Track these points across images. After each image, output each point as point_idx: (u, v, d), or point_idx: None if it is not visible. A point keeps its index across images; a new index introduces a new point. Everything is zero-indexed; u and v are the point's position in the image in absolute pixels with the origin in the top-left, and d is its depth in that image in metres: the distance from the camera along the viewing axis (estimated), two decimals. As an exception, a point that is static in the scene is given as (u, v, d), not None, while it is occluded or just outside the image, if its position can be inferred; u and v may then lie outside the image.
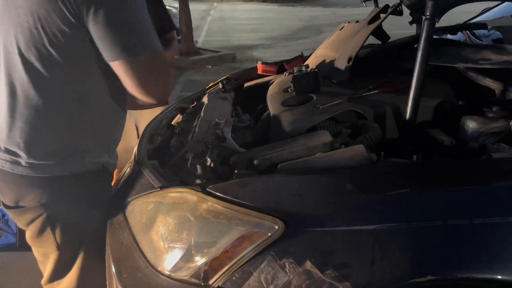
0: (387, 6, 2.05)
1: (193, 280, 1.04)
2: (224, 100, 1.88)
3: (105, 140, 1.29)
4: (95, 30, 1.07)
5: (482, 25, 2.24)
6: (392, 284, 0.95)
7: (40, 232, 1.25)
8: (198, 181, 1.23)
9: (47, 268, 1.33)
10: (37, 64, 1.10)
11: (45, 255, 1.32)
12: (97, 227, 1.30)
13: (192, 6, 8.17)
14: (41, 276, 1.37)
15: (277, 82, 1.94)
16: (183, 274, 1.06)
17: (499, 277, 0.98)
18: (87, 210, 1.26)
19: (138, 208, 1.26)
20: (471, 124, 1.41)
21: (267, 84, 2.00)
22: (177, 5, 8.00)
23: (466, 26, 2.37)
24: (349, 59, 1.74)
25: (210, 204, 1.08)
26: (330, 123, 1.54)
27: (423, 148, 1.41)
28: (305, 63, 2.05)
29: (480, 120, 1.41)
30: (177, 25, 7.88)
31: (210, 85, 2.16)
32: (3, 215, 2.45)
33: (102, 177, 1.30)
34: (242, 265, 1.00)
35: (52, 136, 1.17)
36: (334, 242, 0.98)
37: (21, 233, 2.25)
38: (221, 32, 11.14)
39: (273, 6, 17.29)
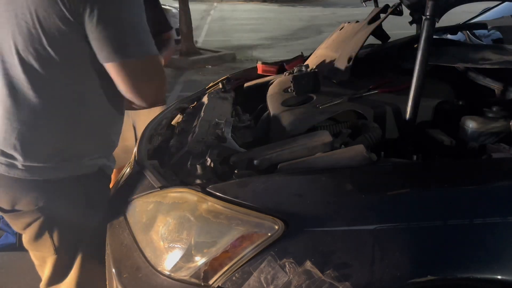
0: (387, 6, 2.05)
1: (193, 280, 1.04)
2: (224, 100, 1.88)
3: (102, 142, 1.27)
4: (91, 30, 1.07)
5: (482, 25, 2.24)
6: (392, 284, 0.95)
7: (37, 235, 1.24)
8: (198, 181, 1.23)
9: (45, 272, 1.32)
10: (35, 65, 1.09)
11: (42, 259, 1.31)
12: (95, 230, 1.29)
13: (192, 6, 8.17)
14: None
15: (277, 82, 1.94)
16: (183, 274, 1.06)
17: (499, 277, 0.98)
18: (85, 213, 1.25)
19: (138, 208, 1.26)
20: (471, 124, 1.41)
21: (267, 84, 2.00)
22: (177, 5, 8.01)
23: (466, 26, 2.37)
24: (349, 59, 1.74)
25: (210, 204, 1.08)
26: (330, 123, 1.54)
27: (423, 148, 1.41)
28: (305, 63, 2.05)
29: (480, 120, 1.41)
30: (177, 25, 7.89)
31: (210, 85, 2.16)
32: (3, 215, 2.46)
33: (100, 179, 1.29)
34: (242, 265, 1.00)
35: (49, 137, 1.16)
36: (334, 242, 0.98)
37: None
38: (221, 32, 11.14)
39: (273, 6, 17.30)
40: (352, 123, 1.54)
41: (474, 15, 2.71)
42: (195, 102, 1.96)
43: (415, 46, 1.80)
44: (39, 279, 1.38)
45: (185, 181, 1.24)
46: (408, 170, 1.20)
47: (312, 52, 2.29)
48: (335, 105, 1.55)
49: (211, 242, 1.05)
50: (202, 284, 1.03)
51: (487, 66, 1.53)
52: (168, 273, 1.08)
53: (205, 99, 1.88)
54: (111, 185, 1.42)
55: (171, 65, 6.85)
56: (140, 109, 1.29)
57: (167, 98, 1.80)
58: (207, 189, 1.11)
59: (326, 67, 1.92)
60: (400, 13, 2.04)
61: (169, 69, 6.60)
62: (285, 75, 1.98)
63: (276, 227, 0.99)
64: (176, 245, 1.09)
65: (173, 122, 1.86)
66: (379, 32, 2.14)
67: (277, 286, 0.96)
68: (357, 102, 1.59)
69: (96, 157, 1.25)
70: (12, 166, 1.16)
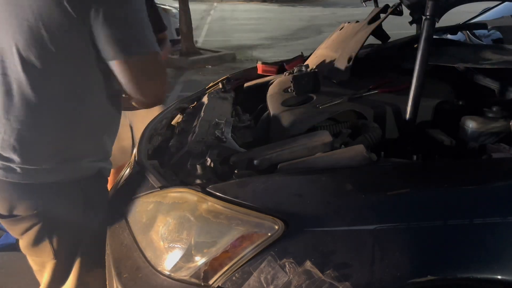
0: (387, 6, 2.05)
1: (193, 280, 1.04)
2: (224, 100, 1.88)
3: (101, 144, 1.26)
4: (97, 28, 1.07)
5: (482, 25, 2.24)
6: (392, 284, 0.95)
7: (36, 241, 1.22)
8: (198, 181, 1.23)
9: (44, 277, 1.30)
10: (36, 64, 1.09)
11: (42, 264, 1.29)
12: (94, 233, 1.29)
13: (192, 6, 8.16)
14: (41, 276, 1.36)
15: (277, 82, 1.94)
16: (183, 274, 1.06)
17: (499, 277, 0.98)
18: (84, 216, 1.24)
19: (138, 208, 1.26)
20: (471, 124, 1.41)
21: (267, 84, 2.00)
22: (177, 5, 8.00)
23: (466, 26, 2.37)
24: (349, 59, 1.74)
25: (210, 204, 1.08)
26: (330, 123, 1.54)
27: (423, 148, 1.41)
28: (305, 63, 2.05)
29: (480, 120, 1.41)
30: (177, 25, 7.89)
31: (210, 85, 2.16)
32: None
33: (98, 182, 1.28)
34: (242, 265, 1.00)
35: (49, 138, 1.15)
36: (334, 242, 0.98)
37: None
38: (221, 32, 11.14)
39: (273, 6, 17.29)
40: (352, 123, 1.54)
41: (474, 15, 2.71)
42: (195, 102, 1.96)
43: (415, 46, 1.80)
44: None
45: (185, 181, 1.24)
46: (408, 170, 1.20)
47: (312, 52, 2.29)
48: (335, 105, 1.55)
49: (211, 242, 1.05)
50: (202, 284, 1.03)
51: (487, 66, 1.53)
52: (168, 273, 1.08)
53: (205, 99, 1.88)
54: (108, 186, 1.41)
55: (171, 65, 6.85)
56: (142, 107, 1.29)
57: (167, 98, 1.80)
58: (207, 189, 1.11)
59: (326, 67, 1.92)
60: (400, 13, 2.04)
61: (169, 69, 6.60)
62: (285, 75, 1.98)
63: (276, 227, 0.99)
64: (176, 245, 1.09)
65: (173, 122, 1.86)
66: (379, 32, 2.14)
67: (277, 286, 0.96)
68: (357, 102, 1.59)
69: (95, 159, 1.24)
70: (10, 170, 1.15)
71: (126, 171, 1.56)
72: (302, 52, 2.46)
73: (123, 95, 1.34)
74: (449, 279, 0.98)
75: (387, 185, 1.12)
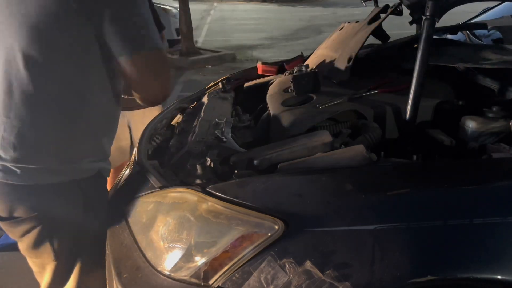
0: (387, 6, 2.05)
1: (193, 280, 1.04)
2: (224, 100, 1.88)
3: (100, 144, 1.26)
4: (104, 25, 1.07)
5: (482, 25, 2.24)
6: (392, 284, 0.95)
7: (37, 242, 1.22)
8: (198, 181, 1.23)
9: (44, 279, 1.30)
10: (37, 62, 1.09)
11: (42, 265, 1.29)
12: (94, 233, 1.28)
13: (192, 6, 8.16)
14: (41, 276, 1.36)
15: (277, 82, 1.94)
16: (183, 274, 1.06)
17: (499, 277, 0.98)
18: (85, 217, 1.24)
19: (138, 208, 1.26)
20: (471, 124, 1.41)
21: (267, 84, 2.00)
22: (177, 5, 8.00)
23: (466, 26, 2.37)
24: (349, 59, 1.74)
25: (210, 204, 1.08)
26: (330, 123, 1.54)
27: (423, 148, 1.41)
28: (305, 63, 2.05)
29: (480, 120, 1.41)
30: (177, 25, 7.89)
31: (210, 85, 2.16)
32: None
33: (98, 182, 1.27)
34: (242, 265, 1.00)
35: (49, 137, 1.15)
36: (334, 242, 0.98)
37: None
38: (221, 32, 11.13)
39: (273, 6, 17.28)
40: (352, 123, 1.54)
41: (474, 15, 2.71)
42: (195, 102, 1.96)
43: (415, 46, 1.80)
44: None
45: (185, 181, 1.24)
46: (408, 170, 1.20)
47: (312, 52, 2.29)
48: (335, 105, 1.55)
49: (211, 242, 1.05)
50: (202, 284, 1.03)
51: (487, 66, 1.53)
52: (168, 273, 1.08)
53: (205, 99, 1.88)
54: (108, 186, 1.41)
55: (171, 65, 6.84)
56: (147, 105, 1.29)
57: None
58: (207, 189, 1.11)
59: (326, 67, 1.92)
60: (400, 13, 2.04)
61: (169, 69, 6.58)
62: (285, 75, 1.98)
63: (276, 227, 0.99)
64: (176, 245, 1.09)
65: (173, 122, 1.86)
66: (379, 32, 2.14)
67: (277, 286, 0.96)
68: (357, 102, 1.59)
69: (95, 159, 1.24)
70: (10, 171, 1.14)
71: (126, 171, 1.56)
72: (302, 52, 2.46)
73: (122, 95, 1.34)
74: (449, 279, 0.98)
75: (387, 185, 1.12)
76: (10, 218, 1.19)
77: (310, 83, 1.70)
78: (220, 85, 2.04)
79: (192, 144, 1.40)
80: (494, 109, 1.44)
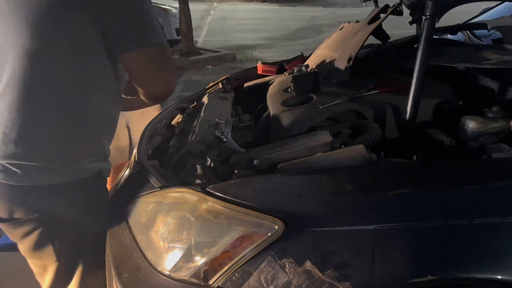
0: (387, 6, 2.05)
1: (193, 280, 1.04)
2: (224, 100, 1.88)
3: (101, 144, 1.26)
4: (109, 22, 1.08)
5: (482, 25, 2.24)
6: (392, 284, 0.95)
7: (38, 244, 1.22)
8: (198, 181, 1.23)
9: (46, 280, 1.29)
10: (40, 60, 1.09)
11: (43, 267, 1.28)
12: (96, 233, 1.29)
13: (192, 6, 8.16)
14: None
15: (277, 82, 1.94)
16: (183, 274, 1.05)
17: (499, 277, 0.98)
18: (86, 217, 1.24)
19: (138, 208, 1.26)
20: (471, 124, 1.41)
21: (267, 84, 2.00)
22: (177, 5, 8.00)
23: (466, 26, 2.37)
24: (349, 59, 1.74)
25: (210, 204, 1.08)
26: (330, 123, 1.54)
27: (423, 148, 1.41)
28: (305, 63, 2.05)
29: (480, 120, 1.41)
30: (177, 25, 7.89)
31: (210, 85, 2.16)
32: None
33: (98, 182, 1.27)
34: (242, 265, 1.00)
35: (50, 135, 1.15)
36: (334, 242, 0.98)
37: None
38: (221, 32, 11.13)
39: (273, 6, 17.28)
40: (352, 123, 1.54)
41: (474, 15, 2.71)
42: (195, 102, 1.96)
43: (415, 46, 1.80)
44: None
45: (185, 181, 1.24)
46: (408, 170, 1.20)
47: (312, 52, 2.29)
48: (335, 105, 1.55)
49: (211, 242, 1.05)
50: (202, 284, 1.03)
51: (487, 66, 1.53)
52: (168, 273, 1.08)
53: (205, 99, 1.88)
54: (108, 186, 1.41)
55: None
56: (151, 102, 1.30)
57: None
58: (207, 189, 1.11)
59: (326, 67, 1.92)
60: (400, 13, 2.04)
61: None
62: (285, 75, 1.98)
63: (276, 227, 0.99)
64: (176, 245, 1.09)
65: (173, 122, 1.86)
66: (379, 32, 2.14)
67: (277, 286, 0.96)
68: (357, 102, 1.59)
69: (95, 159, 1.24)
70: (10, 172, 1.13)
71: (126, 171, 1.56)
72: (302, 52, 2.46)
73: (123, 95, 1.34)
74: (449, 279, 0.98)
75: (387, 185, 1.12)
76: (10, 220, 1.19)
77: (310, 83, 1.70)
78: (220, 85, 2.04)
79: (192, 144, 1.40)
80: (494, 109, 1.44)
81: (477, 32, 2.28)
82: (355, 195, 1.08)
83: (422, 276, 0.96)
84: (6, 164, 1.14)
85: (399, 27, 2.93)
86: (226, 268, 1.01)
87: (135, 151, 1.55)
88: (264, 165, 1.26)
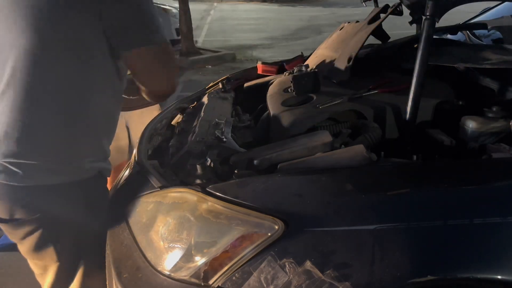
0: (387, 6, 2.05)
1: (193, 280, 1.04)
2: (224, 100, 1.88)
3: (101, 144, 1.26)
4: (112, 20, 1.09)
5: (482, 25, 2.24)
6: (392, 284, 0.95)
7: (39, 244, 1.21)
8: (198, 181, 1.23)
9: (47, 280, 1.29)
10: (43, 59, 1.09)
11: (44, 267, 1.28)
12: (97, 233, 1.29)
13: (192, 6, 8.16)
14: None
15: (277, 82, 1.94)
16: (183, 274, 1.05)
17: (499, 277, 0.98)
18: (87, 217, 1.24)
19: (138, 208, 1.26)
20: (471, 124, 1.41)
21: (267, 84, 2.00)
22: (177, 5, 8.00)
23: (466, 26, 2.37)
24: (349, 59, 1.74)
25: (210, 204, 1.08)
26: (330, 123, 1.54)
27: (423, 148, 1.41)
28: (305, 63, 2.05)
29: (480, 120, 1.41)
30: (177, 25, 7.89)
31: (210, 85, 2.16)
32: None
33: (99, 182, 1.27)
34: (242, 265, 1.00)
35: (52, 134, 1.15)
36: (334, 242, 0.98)
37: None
38: (221, 32, 11.13)
39: (273, 6, 17.28)
40: (352, 123, 1.54)
41: (474, 15, 2.70)
42: (195, 102, 1.96)
43: (415, 46, 1.80)
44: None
45: (185, 181, 1.24)
46: (408, 170, 1.20)
47: (312, 52, 2.29)
48: (335, 105, 1.55)
49: (211, 242, 1.05)
50: (202, 284, 1.03)
51: (487, 66, 1.53)
52: (168, 273, 1.08)
53: (205, 99, 1.88)
54: (108, 186, 1.41)
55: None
56: (154, 100, 1.31)
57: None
58: (207, 189, 1.11)
59: (326, 67, 1.92)
60: (400, 13, 2.04)
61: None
62: (285, 75, 1.98)
63: (276, 227, 0.99)
64: (176, 245, 1.09)
65: (173, 122, 1.86)
66: (379, 32, 2.14)
67: (277, 286, 0.96)
68: (357, 102, 1.59)
69: (95, 159, 1.24)
70: (11, 172, 1.13)
71: (126, 172, 1.56)
72: (302, 52, 2.46)
73: (125, 96, 1.35)
74: (449, 279, 0.98)
75: (387, 185, 1.12)
76: (11, 220, 1.19)
77: (310, 83, 1.70)
78: (220, 85, 2.04)
79: (192, 144, 1.40)
80: (494, 109, 1.44)
81: (477, 32, 2.28)
82: (355, 195, 1.08)
83: (422, 276, 0.96)
84: (7, 164, 1.13)
85: (399, 27, 2.92)
86: (226, 268, 1.01)
87: (135, 151, 1.55)
88: (264, 165, 1.26)
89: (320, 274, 0.95)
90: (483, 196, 1.07)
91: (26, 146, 1.13)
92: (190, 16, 7.71)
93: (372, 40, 2.06)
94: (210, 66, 7.38)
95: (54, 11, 1.07)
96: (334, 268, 0.95)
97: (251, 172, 1.24)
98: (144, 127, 1.72)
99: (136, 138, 1.73)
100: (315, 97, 1.64)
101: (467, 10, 2.69)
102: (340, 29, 2.19)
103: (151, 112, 2.03)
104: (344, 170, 1.16)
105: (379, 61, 1.99)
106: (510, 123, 1.36)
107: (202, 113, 1.66)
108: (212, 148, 1.35)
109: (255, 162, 1.26)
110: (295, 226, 1.00)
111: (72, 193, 1.20)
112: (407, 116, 1.40)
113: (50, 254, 1.23)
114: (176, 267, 1.07)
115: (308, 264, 0.96)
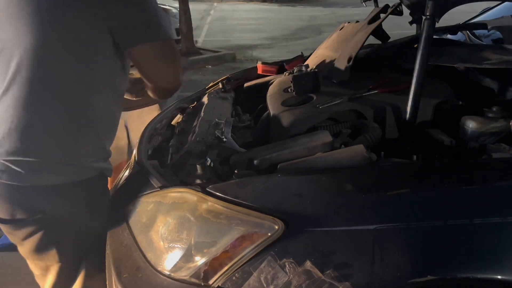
0: (387, 6, 2.05)
1: (193, 280, 1.04)
2: (224, 100, 1.88)
3: (103, 144, 1.26)
4: (121, 16, 1.10)
5: (482, 25, 2.24)
6: (392, 284, 0.95)
7: (41, 244, 1.21)
8: (198, 181, 1.23)
9: (47, 281, 1.29)
10: (48, 57, 1.09)
11: (46, 268, 1.28)
12: (98, 233, 1.29)
13: (192, 6, 8.17)
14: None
15: (277, 82, 1.94)
16: (183, 274, 1.05)
17: (499, 277, 0.98)
18: (89, 217, 1.24)
19: (138, 208, 1.26)
20: (471, 124, 1.41)
21: (267, 84, 2.00)
22: (177, 5, 8.00)
23: (466, 26, 2.37)
24: (349, 59, 1.74)
25: (210, 204, 1.08)
26: (330, 123, 1.54)
27: (423, 148, 1.41)
28: (305, 63, 2.05)
29: (480, 120, 1.41)
30: (177, 25, 7.89)
31: (210, 85, 2.16)
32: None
33: (100, 183, 1.28)
34: (242, 265, 1.00)
35: (55, 132, 1.15)
36: (334, 242, 0.98)
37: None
38: (221, 32, 11.13)
39: (273, 6, 17.28)
40: (352, 123, 1.54)
41: (474, 15, 2.70)
42: (195, 102, 1.96)
43: (415, 46, 1.80)
44: (39, 279, 1.37)
45: (185, 181, 1.24)
46: (408, 170, 1.20)
47: (312, 52, 2.29)
48: (335, 105, 1.55)
49: (211, 242, 1.05)
50: (202, 284, 1.03)
51: (487, 66, 1.53)
52: (168, 273, 1.08)
53: (205, 99, 1.88)
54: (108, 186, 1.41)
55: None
56: (159, 97, 1.32)
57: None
58: (207, 189, 1.11)
59: (326, 67, 1.92)
60: (400, 13, 2.04)
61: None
62: (285, 75, 1.98)
63: (276, 227, 0.99)
64: (176, 245, 1.09)
65: (173, 122, 1.86)
66: (379, 32, 2.14)
67: (277, 286, 0.96)
68: (357, 102, 1.59)
69: (97, 159, 1.24)
70: (14, 172, 1.13)
71: (126, 172, 1.56)
72: (302, 52, 2.46)
73: (133, 96, 1.35)
74: (449, 279, 0.98)
75: (387, 185, 1.12)
76: (12, 221, 1.19)
77: (310, 83, 1.70)
78: (220, 85, 2.04)
79: (192, 144, 1.40)
80: (494, 109, 1.44)
81: (477, 32, 2.28)
82: (355, 195, 1.08)
83: (422, 276, 0.96)
84: (9, 164, 1.13)
85: (399, 27, 2.92)
86: (226, 268, 1.01)
87: (135, 151, 1.55)
88: (264, 165, 1.26)
89: (320, 274, 0.95)
90: (483, 196, 1.07)
91: (29, 143, 1.13)
92: (190, 16, 7.71)
93: (372, 40, 2.06)
94: (210, 66, 7.38)
95: (53, 10, 1.08)
96: (334, 268, 0.95)
97: (251, 172, 1.24)
98: (143, 127, 1.72)
99: (135, 138, 1.73)
100: (315, 97, 1.64)
101: (467, 10, 2.69)
102: (340, 29, 2.19)
103: (151, 112, 2.03)
104: (344, 170, 1.16)
105: (379, 61, 1.99)
106: (510, 123, 1.36)
107: (202, 113, 1.66)
108: (212, 148, 1.35)
109: (255, 162, 1.26)
110: (295, 226, 1.00)
111: (74, 193, 1.20)
112: (407, 116, 1.40)
113: (51, 254, 1.23)
114: (176, 267, 1.07)
115: (308, 264, 0.96)
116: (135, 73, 1.61)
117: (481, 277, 0.98)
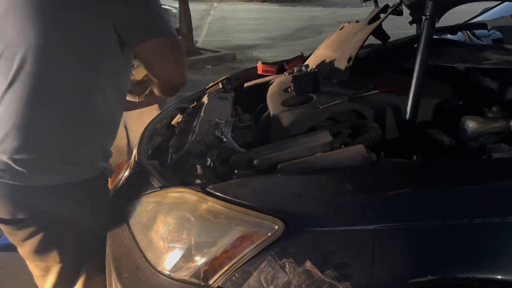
0: (387, 6, 2.05)
1: (193, 280, 1.04)
2: (224, 100, 1.88)
3: (104, 144, 1.26)
4: (125, 14, 1.11)
5: (482, 25, 2.24)
6: (392, 284, 0.95)
7: (42, 245, 1.21)
8: (198, 181, 1.23)
9: (48, 282, 1.29)
10: (45, 59, 1.09)
11: (46, 268, 1.28)
12: (99, 233, 1.29)
13: (192, 6, 8.17)
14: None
15: (277, 82, 1.94)
16: (183, 274, 1.05)
17: (499, 277, 0.98)
18: (90, 217, 1.24)
19: (138, 208, 1.26)
20: (471, 124, 1.41)
21: (267, 84, 2.00)
22: (177, 5, 8.01)
23: (466, 26, 2.37)
24: (349, 59, 1.74)
25: (210, 204, 1.08)
26: (330, 123, 1.54)
27: (423, 148, 1.41)
28: (305, 63, 2.05)
29: (480, 120, 1.41)
30: (177, 25, 7.90)
31: (210, 85, 2.16)
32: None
33: (101, 182, 1.27)
34: (242, 265, 1.00)
35: (55, 135, 1.15)
36: (334, 242, 0.98)
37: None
38: (221, 32, 11.13)
39: (273, 6, 17.28)
40: (352, 123, 1.54)
41: (474, 15, 2.70)
42: (195, 102, 1.96)
43: (415, 46, 1.80)
44: (39, 280, 1.37)
45: (185, 181, 1.24)
46: (408, 170, 1.20)
47: (312, 52, 2.29)
48: (335, 105, 1.55)
49: (211, 242, 1.05)
50: (202, 284, 1.03)
51: (487, 66, 1.53)
52: (168, 273, 1.08)
53: (205, 99, 1.88)
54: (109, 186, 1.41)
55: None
56: (165, 94, 1.34)
57: (167, 98, 1.85)
58: (207, 189, 1.11)
59: (326, 67, 1.92)
60: (400, 13, 2.04)
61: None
62: (285, 75, 1.98)
63: (276, 227, 0.99)
64: (176, 245, 1.09)
65: (173, 122, 1.86)
66: (379, 32, 2.14)
67: (277, 286, 0.96)
68: (357, 102, 1.59)
69: (98, 160, 1.24)
70: (15, 172, 1.13)
71: (126, 172, 1.56)
72: (302, 52, 2.46)
73: (136, 98, 1.36)
74: (449, 279, 0.98)
75: (387, 185, 1.12)
76: (13, 221, 1.19)
77: (310, 83, 1.70)
78: (220, 85, 2.04)
79: (192, 144, 1.40)
80: (494, 109, 1.44)
81: (477, 32, 2.28)
82: (355, 195, 1.08)
83: (422, 276, 0.96)
84: (11, 163, 1.13)
85: (399, 27, 2.92)
86: (226, 268, 1.01)
87: (135, 151, 1.55)
88: (264, 165, 1.26)
89: (320, 274, 0.95)
90: (483, 196, 1.07)
91: (31, 142, 1.13)
92: (190, 16, 7.72)
93: (372, 40, 2.06)
94: (210, 66, 7.38)
95: (55, 11, 1.08)
96: (334, 268, 0.95)
97: (251, 172, 1.24)
98: (143, 127, 1.72)
99: (135, 138, 1.73)
100: (315, 97, 1.64)
101: (467, 10, 2.69)
102: (340, 29, 2.19)
103: (151, 112, 2.04)
104: (344, 170, 1.16)
105: (379, 61, 1.99)
106: (510, 123, 1.36)
107: (202, 113, 1.66)
108: (212, 148, 1.35)
109: (255, 162, 1.26)
110: (295, 226, 1.00)
111: (75, 193, 1.20)
112: (407, 116, 1.40)
113: (52, 255, 1.23)
114: (176, 267, 1.07)
115: (308, 264, 0.96)
116: (135, 74, 1.61)
117: (481, 277, 0.98)
